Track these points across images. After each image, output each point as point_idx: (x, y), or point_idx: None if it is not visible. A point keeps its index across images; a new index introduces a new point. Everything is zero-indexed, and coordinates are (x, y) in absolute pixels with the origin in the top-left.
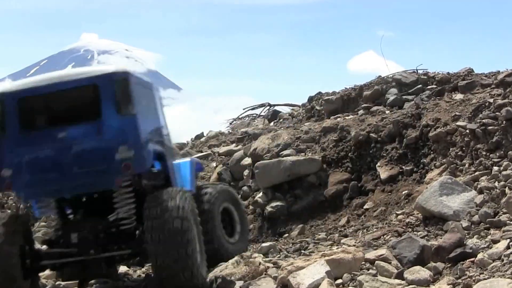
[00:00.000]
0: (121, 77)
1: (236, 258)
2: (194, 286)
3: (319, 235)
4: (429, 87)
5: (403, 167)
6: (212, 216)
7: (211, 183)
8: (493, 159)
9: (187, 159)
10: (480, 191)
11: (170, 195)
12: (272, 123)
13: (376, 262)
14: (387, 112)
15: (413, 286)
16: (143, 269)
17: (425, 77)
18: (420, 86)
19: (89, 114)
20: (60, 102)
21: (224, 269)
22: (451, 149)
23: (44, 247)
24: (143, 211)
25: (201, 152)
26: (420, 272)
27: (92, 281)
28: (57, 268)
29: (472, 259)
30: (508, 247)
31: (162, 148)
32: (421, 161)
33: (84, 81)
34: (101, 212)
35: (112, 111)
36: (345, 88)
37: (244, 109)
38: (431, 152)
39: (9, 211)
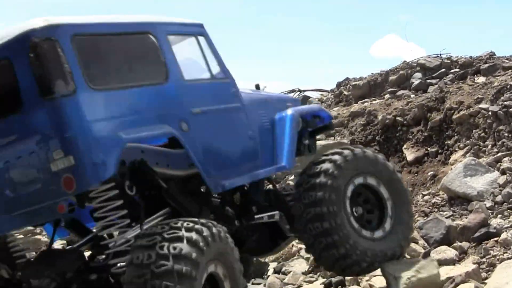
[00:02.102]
0: (38, 39)
1: None
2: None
3: None
4: (452, 71)
5: (429, 149)
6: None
7: (344, 146)
8: None
9: (288, 112)
10: (503, 172)
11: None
12: None
13: None
14: (412, 96)
15: (440, 265)
16: None
17: (448, 61)
18: (443, 70)
19: (9, 104)
20: None
21: None
22: (474, 131)
23: None
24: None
25: None
26: (446, 252)
27: None
28: None
29: (496, 239)
30: None
31: (172, 119)
32: (446, 143)
33: None
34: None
35: (34, 95)
36: (372, 73)
37: None
38: (455, 134)
39: None
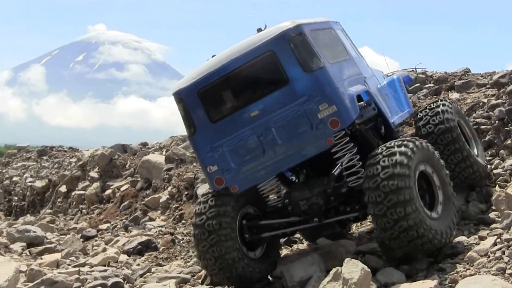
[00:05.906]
0: (294, 34)
1: None
2: (425, 247)
3: None
4: (426, 85)
5: None
6: (454, 133)
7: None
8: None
9: (393, 77)
10: (471, 188)
11: (390, 150)
12: None
13: (367, 255)
14: None
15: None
16: (142, 258)
17: (423, 75)
18: (418, 84)
19: (274, 83)
20: (241, 80)
21: None
22: None
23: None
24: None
25: None
26: (409, 267)
27: None
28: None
29: (460, 255)
30: (495, 244)
31: (362, 81)
32: None
33: (257, 52)
34: (324, 168)
35: (298, 72)
36: None
37: None
38: None
39: None
